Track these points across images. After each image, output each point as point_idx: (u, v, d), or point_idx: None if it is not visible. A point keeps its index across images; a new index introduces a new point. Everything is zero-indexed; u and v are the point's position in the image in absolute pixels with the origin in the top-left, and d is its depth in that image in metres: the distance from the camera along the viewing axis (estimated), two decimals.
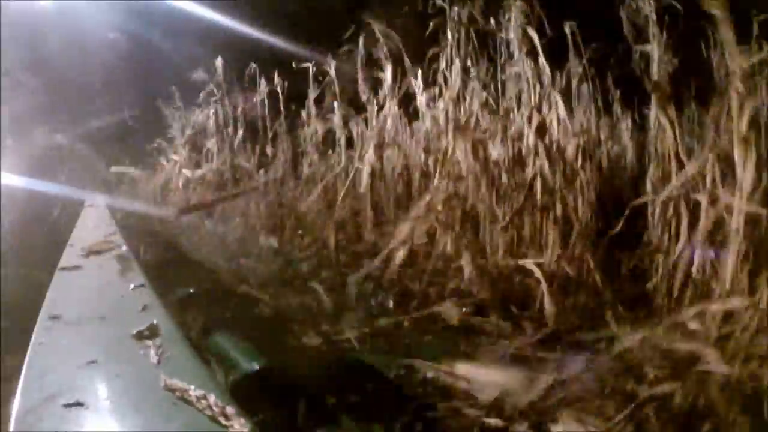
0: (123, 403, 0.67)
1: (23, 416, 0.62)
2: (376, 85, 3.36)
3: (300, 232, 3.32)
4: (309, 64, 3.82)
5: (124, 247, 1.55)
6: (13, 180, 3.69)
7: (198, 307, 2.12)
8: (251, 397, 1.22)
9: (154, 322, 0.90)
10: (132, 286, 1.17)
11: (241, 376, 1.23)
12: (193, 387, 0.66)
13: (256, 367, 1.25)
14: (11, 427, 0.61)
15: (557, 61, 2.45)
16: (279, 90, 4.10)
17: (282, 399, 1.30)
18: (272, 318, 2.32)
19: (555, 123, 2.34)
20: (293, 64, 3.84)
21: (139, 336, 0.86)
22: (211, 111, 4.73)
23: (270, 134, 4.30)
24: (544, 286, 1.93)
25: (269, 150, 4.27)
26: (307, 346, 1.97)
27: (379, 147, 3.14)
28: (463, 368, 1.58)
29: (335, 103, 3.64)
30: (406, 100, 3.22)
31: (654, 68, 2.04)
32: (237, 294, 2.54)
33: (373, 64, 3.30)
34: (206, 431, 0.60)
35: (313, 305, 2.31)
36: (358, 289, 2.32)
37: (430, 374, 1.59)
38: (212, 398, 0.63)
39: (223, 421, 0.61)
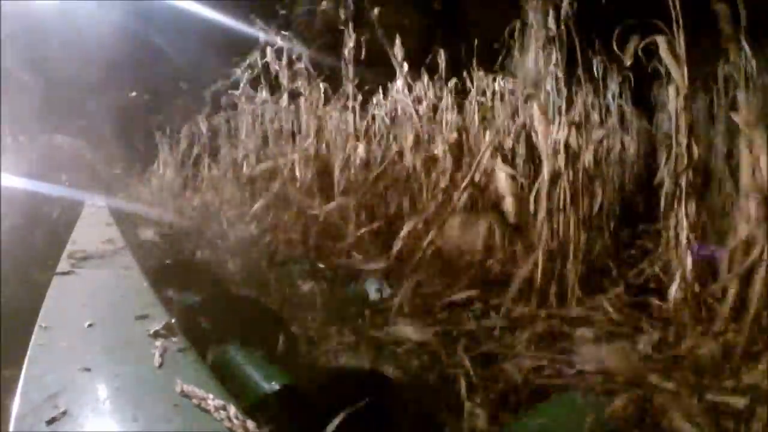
0: (123, 403, 0.67)
1: (23, 416, 0.63)
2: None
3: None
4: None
5: (125, 249, 1.55)
6: (13, 180, 3.68)
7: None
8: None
9: (172, 320, 0.91)
10: (132, 287, 1.18)
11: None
12: (211, 396, 0.65)
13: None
14: (11, 427, 0.61)
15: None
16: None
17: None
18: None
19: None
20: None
21: (156, 335, 0.86)
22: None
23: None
24: None
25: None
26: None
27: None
28: None
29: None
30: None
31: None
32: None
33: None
34: (206, 431, 0.61)
35: None
36: None
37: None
38: (232, 410, 0.63)
39: None
